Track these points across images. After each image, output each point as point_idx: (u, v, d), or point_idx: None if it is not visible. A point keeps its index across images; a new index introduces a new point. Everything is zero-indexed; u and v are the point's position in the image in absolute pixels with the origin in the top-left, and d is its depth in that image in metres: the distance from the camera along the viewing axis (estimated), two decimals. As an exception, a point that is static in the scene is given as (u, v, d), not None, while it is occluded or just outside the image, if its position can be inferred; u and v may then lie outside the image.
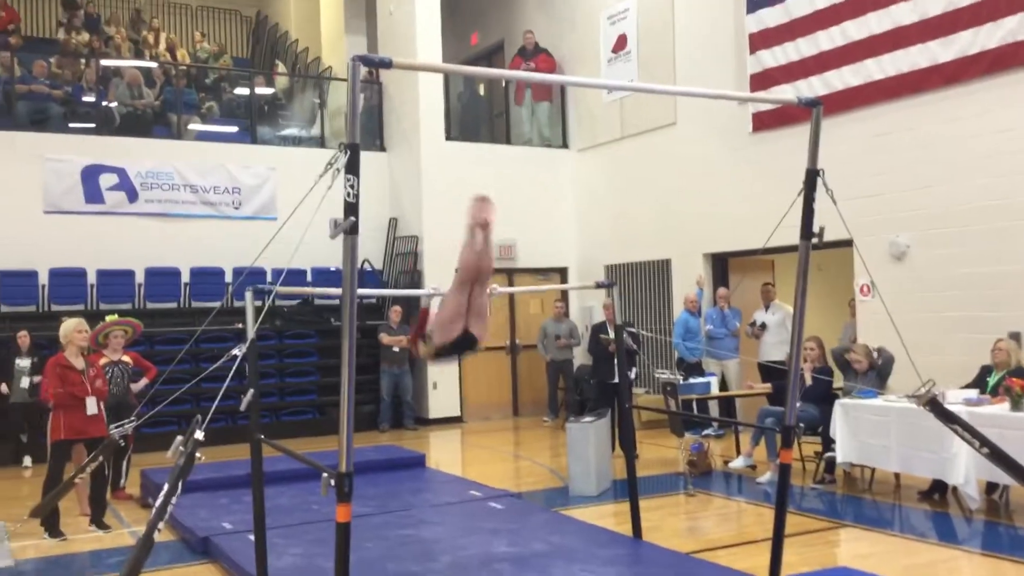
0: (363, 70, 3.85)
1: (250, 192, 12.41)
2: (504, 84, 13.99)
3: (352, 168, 3.67)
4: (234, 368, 4.29)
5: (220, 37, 17.66)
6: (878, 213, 8.93)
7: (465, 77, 14.36)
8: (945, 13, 8.42)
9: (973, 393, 6.86)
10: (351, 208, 3.73)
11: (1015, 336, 7.51)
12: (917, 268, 8.78)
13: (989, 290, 8.10)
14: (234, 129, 13.49)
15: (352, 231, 3.72)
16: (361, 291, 5.13)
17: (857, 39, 9.31)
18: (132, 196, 11.75)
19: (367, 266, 12.63)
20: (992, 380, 7.02)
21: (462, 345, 4.73)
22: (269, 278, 11.06)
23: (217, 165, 12.21)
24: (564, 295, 13.03)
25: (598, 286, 6.18)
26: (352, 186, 3.67)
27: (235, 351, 4.66)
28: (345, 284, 3.79)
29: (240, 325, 9.94)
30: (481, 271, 4.75)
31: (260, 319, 4.05)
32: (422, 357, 5.06)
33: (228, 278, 11.80)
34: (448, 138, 12.93)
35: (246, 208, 12.36)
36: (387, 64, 3.81)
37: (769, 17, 10.26)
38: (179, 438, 3.33)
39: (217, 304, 11.39)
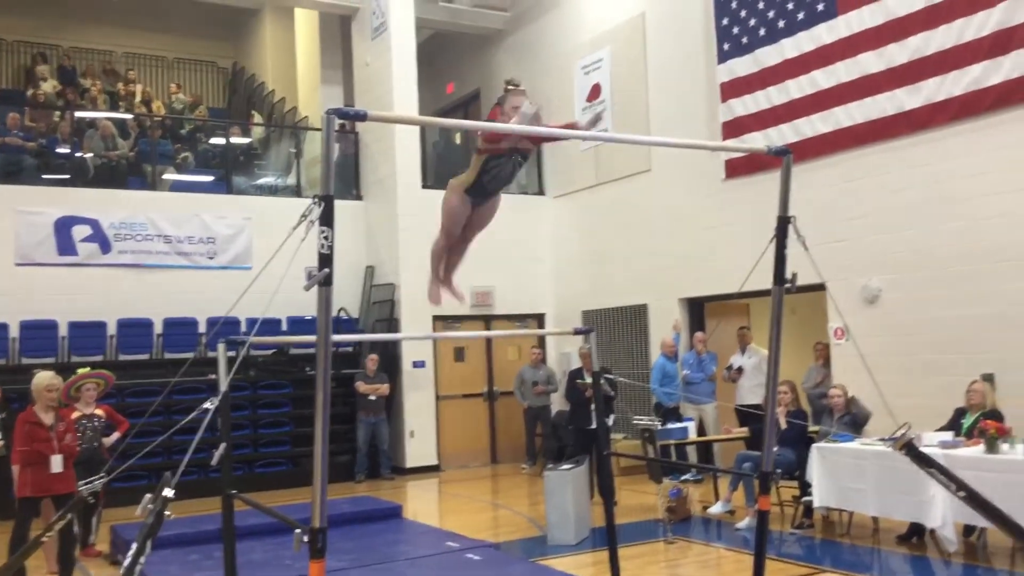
0: (337, 122, 3.86)
1: (225, 242, 12.36)
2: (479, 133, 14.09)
3: (326, 220, 3.67)
4: (206, 421, 4.24)
5: (196, 88, 17.73)
6: (850, 257, 9.03)
7: (440, 128, 14.47)
8: (911, 61, 8.61)
9: (948, 435, 6.88)
10: (325, 260, 3.72)
11: (988, 378, 7.56)
12: (890, 311, 8.86)
13: (961, 333, 8.18)
14: (209, 179, 13.49)
15: (326, 283, 3.70)
16: (337, 337, 5.07)
17: (826, 87, 9.49)
18: (105, 247, 11.67)
19: (343, 314, 12.58)
20: (967, 422, 7.06)
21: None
22: (244, 328, 11.00)
23: (192, 215, 12.17)
24: (541, 341, 13.04)
25: (576, 332, 6.16)
26: (326, 238, 3.67)
27: (207, 404, 4.61)
28: (320, 335, 3.76)
29: (213, 376, 9.91)
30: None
31: (233, 370, 4.00)
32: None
33: (202, 328, 11.70)
34: (424, 186, 12.98)
35: (221, 258, 12.30)
36: (362, 117, 3.82)
37: (739, 67, 10.45)
38: (148, 495, 3.26)
39: (190, 355, 11.41)
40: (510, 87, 4.45)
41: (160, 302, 11.68)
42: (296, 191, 13.57)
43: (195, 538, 7.50)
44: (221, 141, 14.04)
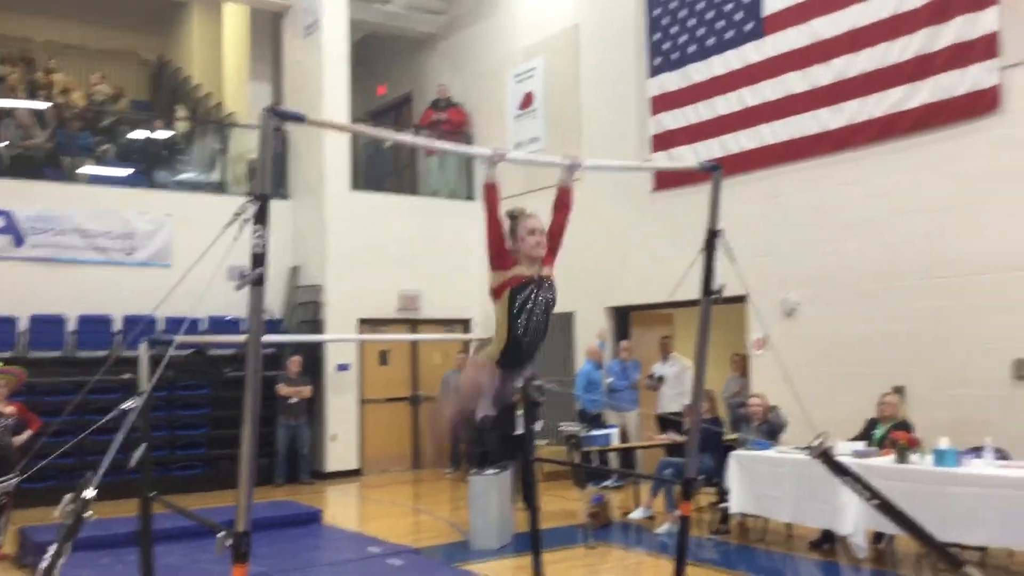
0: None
1: (144, 238, 12.03)
2: (414, 136, 14.03)
3: (261, 219, 3.63)
4: (128, 422, 4.13)
5: (119, 80, 17.23)
6: (770, 271, 9.26)
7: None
8: (834, 83, 8.90)
9: (861, 445, 7.12)
10: (259, 259, 3.67)
11: (899, 390, 7.86)
12: (806, 325, 9.13)
13: (874, 346, 8.48)
14: (129, 172, 13.11)
15: (259, 283, 3.66)
16: (267, 338, 5.00)
17: (752, 105, 9.74)
18: (18, 240, 11.23)
19: (266, 315, 12.35)
20: (878, 433, 7.31)
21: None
22: (162, 327, 10.73)
23: (111, 210, 11.80)
24: (467, 346, 13.02)
25: (506, 339, 6.18)
26: (260, 237, 3.63)
27: (127, 404, 4.49)
28: (251, 336, 3.71)
29: (129, 376, 9.64)
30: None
31: (159, 371, 3.91)
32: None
33: (117, 326, 11.37)
34: (353, 188, 12.87)
35: (139, 254, 11.96)
36: (300, 119, 3.79)
37: (669, 82, 10.65)
38: (68, 496, 3.17)
39: (105, 353, 11.08)
40: (517, 215, 4.07)
41: (75, 298, 11.29)
42: (220, 188, 13.30)
43: (107, 541, 7.26)
44: (143, 134, 13.67)
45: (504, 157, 4.16)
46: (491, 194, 4.06)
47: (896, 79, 8.39)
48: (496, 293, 3.96)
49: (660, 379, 10.38)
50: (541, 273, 4.00)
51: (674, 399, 10.13)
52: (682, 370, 10.17)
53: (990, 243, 7.67)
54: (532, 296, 3.95)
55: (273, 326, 12.24)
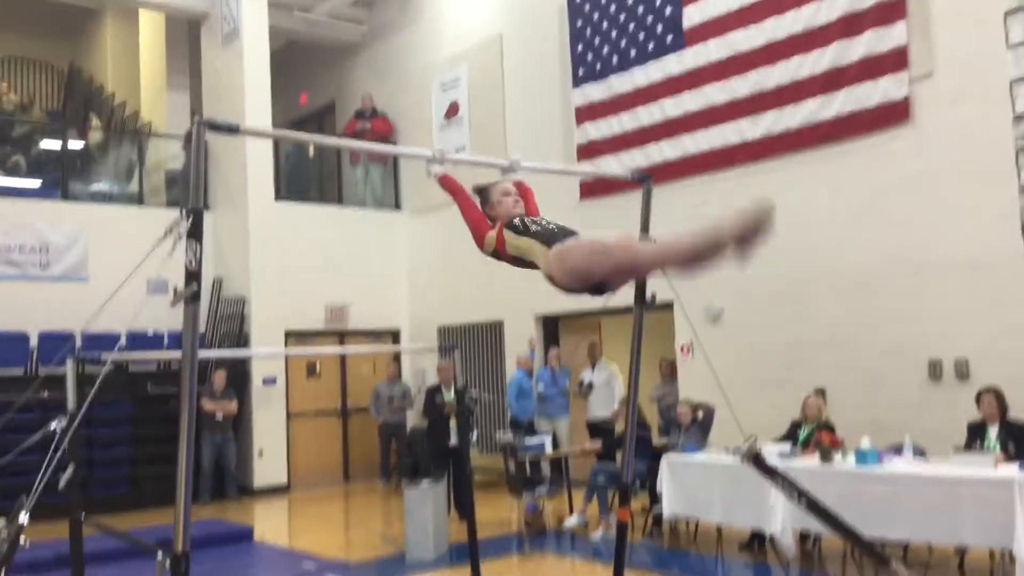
0: (188, 127, 3.76)
1: (59, 252, 11.64)
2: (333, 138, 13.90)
3: (195, 234, 3.58)
4: (55, 442, 4.02)
5: (29, 89, 16.67)
6: (695, 278, 9.44)
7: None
8: (752, 95, 9.14)
9: (786, 447, 7.32)
10: (192, 276, 3.61)
11: (820, 392, 8.11)
12: (732, 330, 9.34)
13: (796, 350, 8.73)
14: (42, 183, 12.68)
15: (193, 299, 3.60)
16: (205, 354, 4.89)
17: (674, 115, 9.93)
18: (-76, 254, 10.79)
19: (189, 329, 12.08)
20: (802, 434, 7.53)
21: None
22: (79, 343, 10.40)
23: (23, 223, 11.38)
24: (397, 357, 12.96)
25: (442, 350, 6.21)
26: (195, 252, 3.57)
27: (55, 424, 4.36)
28: (185, 353, 3.65)
29: (47, 394, 9.31)
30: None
31: (94, 391, 3.79)
32: (515, 256, 3.75)
33: (33, 342, 10.97)
34: (277, 198, 12.69)
35: (54, 268, 11.57)
36: (234, 130, 3.75)
37: (593, 92, 10.80)
38: (1, 520, 3.06)
39: (19, 371, 10.69)
40: (485, 185, 4.05)
41: (-13, 315, 10.87)
42: (138, 199, 12.96)
43: (36, 565, 7.00)
44: (55, 145, 13.24)
45: (445, 157, 4.19)
46: (450, 182, 4.07)
47: (811, 91, 8.66)
48: (500, 245, 3.80)
49: (590, 386, 10.48)
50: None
51: (604, 405, 10.24)
52: (611, 376, 10.30)
53: (904, 249, 7.98)
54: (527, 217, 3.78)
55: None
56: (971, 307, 7.55)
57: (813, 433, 7.30)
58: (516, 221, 3.77)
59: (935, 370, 7.75)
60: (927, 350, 7.80)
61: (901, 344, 7.95)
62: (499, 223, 3.85)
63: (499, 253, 3.87)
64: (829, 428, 7.34)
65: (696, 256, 3.03)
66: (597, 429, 10.05)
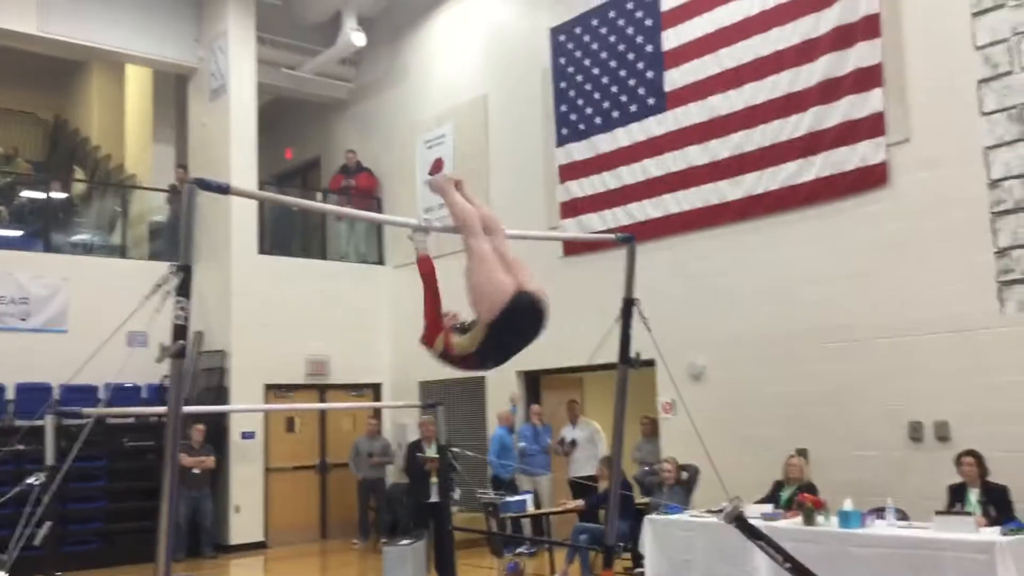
0: (177, 180, 3.81)
1: (40, 303, 11.56)
2: (322, 200, 13.97)
3: (184, 291, 3.60)
4: (33, 497, 3.97)
5: (13, 140, 16.69)
6: (677, 336, 9.45)
7: (279, 192, 14.27)
8: (732, 156, 9.30)
9: (769, 507, 7.30)
10: (180, 331, 3.63)
11: (802, 452, 8.13)
12: (714, 388, 9.36)
13: (778, 409, 8.74)
14: (25, 234, 12.65)
15: (180, 355, 3.61)
16: (188, 409, 4.84)
17: (656, 175, 10.06)
18: (-97, 305, 10.69)
19: (166, 382, 11.97)
20: (785, 495, 7.52)
21: (523, 312, 3.91)
22: (56, 395, 10.30)
23: (4, 274, 11.32)
24: (377, 412, 12.87)
25: (424, 407, 6.20)
26: (183, 308, 3.59)
27: (33, 480, 4.31)
28: (170, 409, 3.65)
29: (21, 447, 9.16)
30: (486, 217, 4.29)
31: (77, 446, 3.75)
32: (460, 355, 4.21)
33: (9, 395, 10.84)
34: (261, 251, 12.70)
35: (34, 320, 11.49)
36: (224, 190, 3.80)
37: (576, 151, 10.95)
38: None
39: (-5, 424, 10.54)
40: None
41: (-36, 366, 10.75)
42: (119, 251, 12.94)
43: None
44: (38, 195, 13.24)
45: (431, 228, 4.27)
46: (426, 266, 4.30)
47: (790, 154, 8.82)
48: (447, 347, 4.45)
49: (572, 443, 10.44)
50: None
51: (586, 463, 10.18)
52: (593, 433, 10.28)
53: (886, 309, 8.06)
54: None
55: (175, 394, 11.86)
56: (951, 369, 7.62)
57: (795, 494, 7.30)
58: (458, 324, 4.37)
59: (916, 431, 7.79)
60: (908, 411, 7.84)
61: (883, 404, 7.99)
62: (446, 330, 4.41)
63: (447, 354, 4.45)
64: (812, 489, 7.35)
65: None
66: (580, 487, 9.98)
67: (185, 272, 3.47)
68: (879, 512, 6.69)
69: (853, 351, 8.26)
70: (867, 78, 8.23)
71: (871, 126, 8.21)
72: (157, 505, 10.76)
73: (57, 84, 17.51)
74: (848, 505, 6.58)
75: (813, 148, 8.63)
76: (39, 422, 5.04)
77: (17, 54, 13.70)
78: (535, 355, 11.42)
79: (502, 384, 11.70)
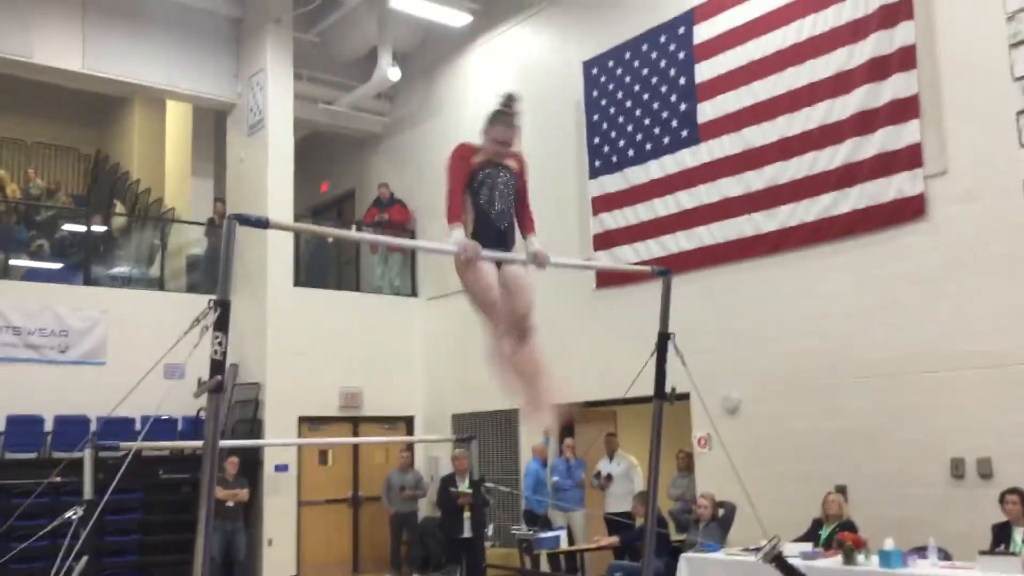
0: (215, 213, 3.84)
1: (78, 336, 11.72)
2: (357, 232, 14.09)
3: (221, 326, 3.63)
4: (71, 532, 3.99)
5: (56, 173, 17.07)
6: (712, 368, 9.35)
7: (314, 224, 14.39)
8: (767, 188, 9.25)
9: (808, 546, 7.17)
10: (217, 366, 3.66)
11: (841, 489, 7.98)
12: (749, 422, 9.25)
13: (816, 445, 8.60)
14: (65, 267, 12.87)
15: (218, 389, 3.63)
16: (223, 443, 4.87)
17: (689, 207, 10.03)
18: (-54, 338, 10.89)
19: (202, 414, 12.06)
20: (824, 533, 7.39)
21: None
22: (93, 427, 10.42)
23: (45, 307, 11.50)
24: (410, 445, 12.86)
25: (458, 440, 6.18)
26: (220, 343, 3.62)
27: (71, 514, 4.34)
28: (206, 444, 3.67)
29: (59, 478, 9.26)
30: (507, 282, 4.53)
31: (114, 483, 3.78)
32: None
33: (48, 427, 10.97)
34: (296, 284, 12.81)
35: (73, 352, 11.64)
36: (264, 224, 3.84)
37: (609, 183, 10.95)
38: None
39: (33, 454, 10.67)
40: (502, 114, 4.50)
41: (4, 398, 10.87)
42: (159, 284, 13.12)
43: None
44: (78, 228, 13.50)
45: (478, 254, 4.27)
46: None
47: (825, 186, 8.75)
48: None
49: (608, 477, 10.35)
50: (502, 161, 4.53)
51: (622, 498, 10.07)
52: (629, 468, 10.17)
53: (925, 343, 7.93)
54: (488, 173, 4.48)
55: (210, 425, 11.93)
56: (992, 404, 7.47)
57: (835, 532, 7.16)
58: (481, 177, 4.51)
59: (958, 468, 7.62)
60: (949, 447, 7.68)
61: (923, 440, 7.84)
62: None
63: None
64: (851, 527, 7.20)
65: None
66: (615, 523, 9.87)
67: (223, 307, 3.49)
68: (921, 551, 6.55)
69: (891, 386, 8.12)
70: (903, 109, 8.17)
71: (908, 158, 8.13)
72: (192, 538, 10.82)
73: (99, 119, 17.90)
74: (889, 544, 6.44)
75: (849, 180, 8.55)
76: (77, 454, 5.06)
77: (61, 90, 14.04)
78: (568, 388, 11.41)
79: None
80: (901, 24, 8.22)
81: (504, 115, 4.39)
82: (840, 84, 8.66)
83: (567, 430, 11.53)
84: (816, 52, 8.88)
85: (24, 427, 10.80)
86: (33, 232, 13.15)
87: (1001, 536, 6.65)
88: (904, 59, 8.19)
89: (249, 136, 13.19)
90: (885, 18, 8.33)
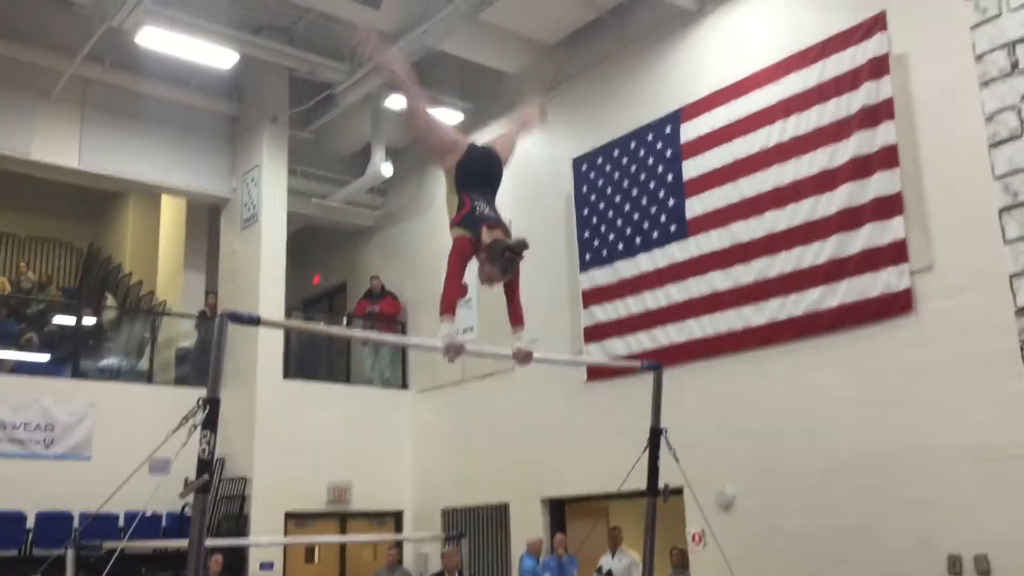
0: (207, 306, 3.86)
1: (64, 430, 11.56)
2: (347, 324, 14.09)
3: (210, 424, 3.61)
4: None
5: (48, 266, 17.15)
6: (704, 463, 9.26)
7: (305, 319, 14.44)
8: (756, 282, 9.33)
9: (806, 647, 7.00)
10: (204, 466, 3.63)
11: (838, 587, 7.83)
12: (743, 518, 9.12)
13: (811, 541, 8.46)
14: (51, 360, 12.80)
15: (204, 490, 3.59)
16: (209, 543, 4.78)
17: (679, 300, 10.10)
18: (-71, 432, 10.75)
19: (188, 511, 11.84)
20: (822, 633, 7.21)
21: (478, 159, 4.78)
22: (77, 523, 10.22)
23: (31, 400, 11.38)
24: (398, 542, 12.60)
25: (447, 538, 6.08)
26: (208, 442, 3.60)
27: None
28: (191, 543, 3.61)
29: (40, 577, 9.04)
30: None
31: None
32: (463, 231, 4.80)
33: (30, 523, 10.73)
34: (286, 376, 12.75)
35: (58, 447, 11.47)
36: (255, 321, 3.86)
37: (600, 277, 11.05)
38: None
39: (14, 552, 10.42)
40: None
41: (-16, 494, 10.69)
42: (146, 376, 13.04)
43: None
44: (67, 321, 13.48)
45: (462, 351, 4.30)
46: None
47: (813, 280, 8.83)
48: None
49: (609, 573, 10.12)
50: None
51: (621, 596, 9.85)
52: (631, 564, 9.97)
53: (917, 438, 7.90)
54: (473, 156, 5.06)
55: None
56: (987, 500, 7.40)
57: (833, 632, 6.99)
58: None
59: (955, 565, 7.49)
60: (947, 544, 7.56)
61: (919, 537, 7.72)
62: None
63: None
64: (849, 627, 7.04)
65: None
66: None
67: (212, 405, 3.49)
68: (922, 653, 6.39)
69: (885, 481, 8.04)
70: (888, 206, 8.32)
71: (894, 253, 8.25)
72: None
73: (93, 213, 18.06)
74: (889, 645, 6.29)
75: (836, 275, 8.65)
76: (59, 552, 4.96)
77: (56, 185, 14.20)
78: (560, 482, 11.36)
79: (526, 511, 11.48)
80: (883, 124, 8.45)
81: (507, 260, 4.55)
82: (824, 182, 8.84)
83: (559, 525, 11.35)
84: (800, 151, 9.09)
85: (6, 524, 10.56)
86: (23, 325, 13.12)
87: (1002, 637, 6.51)
88: (886, 158, 8.39)
89: (242, 230, 13.32)
90: (866, 118, 8.57)
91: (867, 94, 8.59)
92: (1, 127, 11.91)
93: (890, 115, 8.41)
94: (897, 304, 8.17)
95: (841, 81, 8.82)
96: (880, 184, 8.39)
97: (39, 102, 12.15)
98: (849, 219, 8.59)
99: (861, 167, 8.55)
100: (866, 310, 8.40)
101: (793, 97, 9.23)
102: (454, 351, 4.21)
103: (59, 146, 12.35)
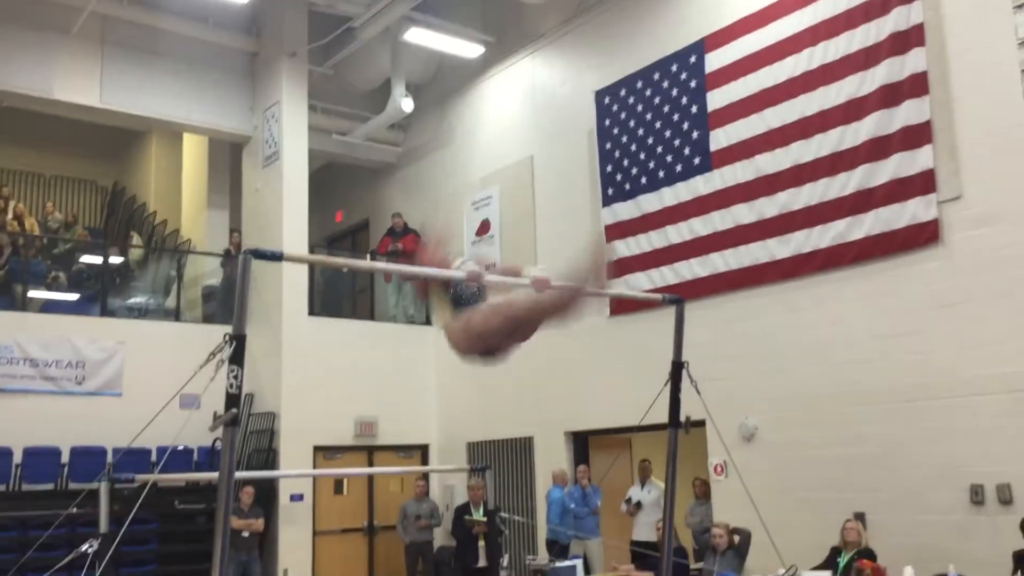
0: (231, 245, 3.87)
1: (95, 367, 11.79)
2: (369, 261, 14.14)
3: (237, 359, 3.66)
4: (87, 565, 4.00)
5: (73, 206, 17.27)
6: (727, 395, 9.33)
7: (329, 254, 14.50)
8: (781, 215, 9.24)
9: (826, 574, 7.10)
10: (233, 400, 3.68)
11: (860, 516, 7.91)
12: (765, 449, 9.19)
13: (834, 471, 8.53)
14: (77, 298, 12.98)
15: (233, 423, 3.66)
16: (239, 475, 4.89)
17: (702, 234, 10.04)
18: (-36, 370, 10.99)
19: (218, 445, 12.09)
20: (843, 561, 7.32)
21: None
22: (110, 458, 10.46)
23: (62, 338, 11.59)
24: (425, 474, 12.83)
25: (472, 470, 6.18)
26: (236, 377, 3.65)
27: (86, 547, 4.36)
28: (221, 477, 3.68)
29: (76, 510, 9.31)
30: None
31: (131, 517, 3.80)
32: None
33: (65, 458, 11.01)
34: (311, 313, 12.86)
35: (89, 384, 11.70)
36: (278, 257, 3.88)
37: (622, 211, 10.98)
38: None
39: (50, 486, 10.71)
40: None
41: (22, 429, 10.93)
42: (175, 315, 13.21)
43: None
44: (94, 260, 13.62)
45: (481, 279, 4.28)
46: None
47: (839, 212, 8.73)
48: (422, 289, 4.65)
49: (638, 504, 10.27)
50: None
51: (650, 527, 9.98)
52: (660, 496, 10.08)
53: (941, 369, 7.88)
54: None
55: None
56: (1012, 429, 7.39)
57: (853, 560, 7.09)
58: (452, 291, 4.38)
59: (977, 494, 7.53)
60: (968, 473, 7.59)
61: (942, 467, 7.76)
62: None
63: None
64: (870, 555, 7.13)
65: (564, 303, 3.78)
66: (642, 552, 9.76)
67: (239, 341, 3.52)
68: (942, 580, 6.48)
69: (909, 411, 8.06)
70: (916, 136, 8.17)
71: (922, 183, 8.12)
72: (208, 568, 10.82)
73: (116, 153, 18.12)
74: (908, 572, 6.39)
75: (862, 206, 8.54)
76: (94, 485, 5.09)
77: (79, 125, 14.25)
78: (583, 416, 11.44)
79: (550, 444, 11.62)
80: (912, 51, 8.25)
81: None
82: (852, 111, 8.68)
83: (582, 457, 11.49)
84: (828, 79, 8.91)
85: (41, 459, 10.85)
86: (50, 264, 13.28)
87: (1022, 563, 6.56)
88: (916, 86, 8.21)
89: (264, 168, 13.32)
90: (896, 45, 8.36)
91: (897, 19, 8.37)
92: (23, 66, 11.90)
93: (920, 41, 8.20)
94: (924, 235, 8.07)
95: (871, 6, 8.59)
96: (909, 112, 8.23)
97: (59, 40, 12.10)
98: (877, 149, 8.44)
99: (890, 95, 8.37)
100: (892, 241, 8.30)
101: (821, 24, 9.02)
102: (475, 278, 4.17)
103: (80, 84, 12.34)
